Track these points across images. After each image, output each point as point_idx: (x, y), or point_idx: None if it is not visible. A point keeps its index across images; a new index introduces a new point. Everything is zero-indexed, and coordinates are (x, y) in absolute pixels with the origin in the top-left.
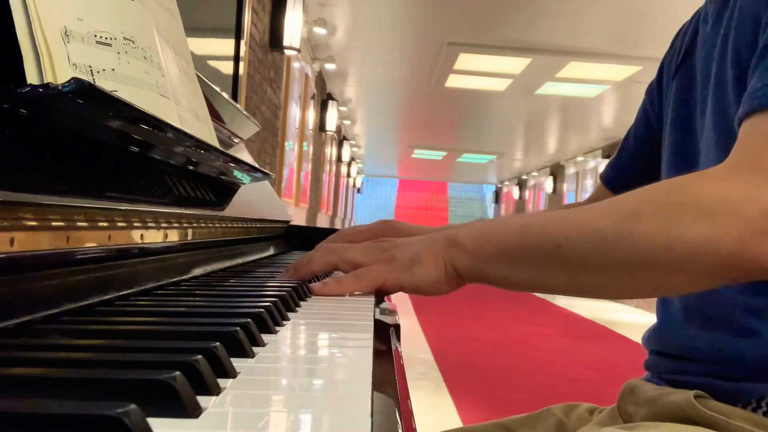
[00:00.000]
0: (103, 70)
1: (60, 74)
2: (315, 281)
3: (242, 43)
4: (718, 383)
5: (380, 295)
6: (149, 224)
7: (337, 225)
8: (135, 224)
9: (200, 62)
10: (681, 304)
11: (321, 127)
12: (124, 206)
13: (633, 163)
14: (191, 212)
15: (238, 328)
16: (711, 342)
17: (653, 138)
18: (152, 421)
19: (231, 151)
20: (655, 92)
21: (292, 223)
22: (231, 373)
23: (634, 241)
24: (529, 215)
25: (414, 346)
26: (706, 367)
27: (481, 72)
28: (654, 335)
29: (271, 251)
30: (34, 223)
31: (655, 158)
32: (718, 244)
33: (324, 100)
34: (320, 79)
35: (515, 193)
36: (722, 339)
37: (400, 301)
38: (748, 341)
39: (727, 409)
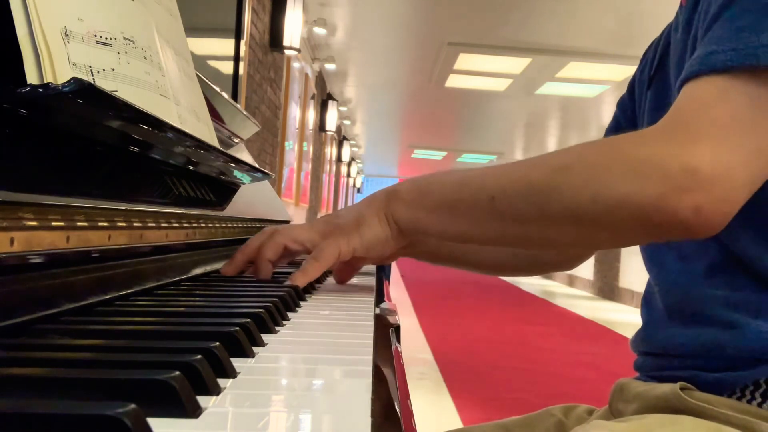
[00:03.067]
0: (103, 70)
1: (60, 74)
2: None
3: (242, 43)
4: (702, 375)
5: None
6: (149, 224)
7: None
8: (135, 224)
9: (200, 62)
10: (663, 304)
11: (321, 127)
12: (124, 206)
13: None
14: (191, 212)
15: (238, 328)
16: (693, 337)
17: None
18: (152, 421)
19: (231, 151)
20: (628, 105)
21: (292, 222)
22: (231, 373)
23: (563, 194)
24: (467, 170)
25: (414, 346)
26: (690, 361)
27: (481, 72)
28: (640, 337)
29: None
30: (34, 223)
31: None
32: (641, 199)
33: (324, 100)
34: (320, 79)
35: None
36: (703, 333)
37: (401, 301)
38: (728, 333)
39: (711, 398)
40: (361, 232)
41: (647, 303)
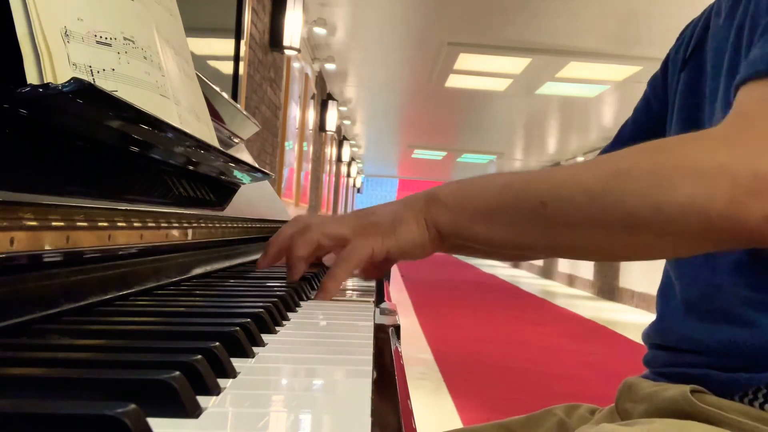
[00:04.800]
0: (103, 70)
1: (60, 74)
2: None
3: (242, 43)
4: (714, 374)
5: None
6: (149, 224)
7: None
8: (135, 224)
9: (200, 62)
10: (681, 298)
11: (321, 127)
12: (124, 206)
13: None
14: (191, 212)
15: (238, 328)
16: (709, 333)
17: (653, 127)
18: (152, 421)
19: (231, 151)
20: (660, 83)
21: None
22: (231, 373)
23: (622, 200)
24: (512, 173)
25: (414, 346)
26: (703, 359)
27: (481, 72)
28: (654, 329)
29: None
30: (34, 223)
31: None
32: (708, 205)
33: (324, 100)
34: (320, 79)
35: None
36: (721, 330)
37: (401, 301)
38: (745, 331)
39: (722, 402)
40: (398, 234)
41: (664, 294)
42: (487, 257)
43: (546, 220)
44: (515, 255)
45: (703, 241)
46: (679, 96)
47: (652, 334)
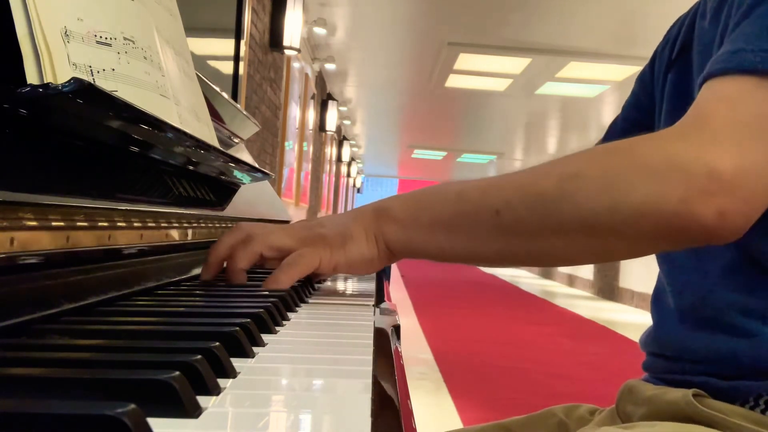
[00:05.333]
0: (103, 70)
1: (60, 74)
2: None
3: (242, 43)
4: (715, 382)
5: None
6: (149, 224)
7: None
8: (135, 224)
9: (200, 62)
10: (675, 305)
11: (321, 127)
12: (124, 206)
13: None
14: (191, 212)
15: (238, 328)
16: (707, 343)
17: (643, 121)
18: (152, 421)
19: (231, 151)
20: (648, 79)
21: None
22: (231, 373)
23: (576, 202)
24: (467, 181)
25: (414, 346)
26: (703, 367)
27: (481, 72)
28: (650, 337)
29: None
30: (34, 223)
31: None
32: (662, 204)
33: (324, 100)
34: (320, 79)
35: None
36: (718, 339)
37: (401, 301)
38: (743, 341)
39: (724, 407)
40: (347, 249)
41: (657, 301)
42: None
43: (500, 228)
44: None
45: (659, 240)
46: (667, 98)
47: (649, 342)
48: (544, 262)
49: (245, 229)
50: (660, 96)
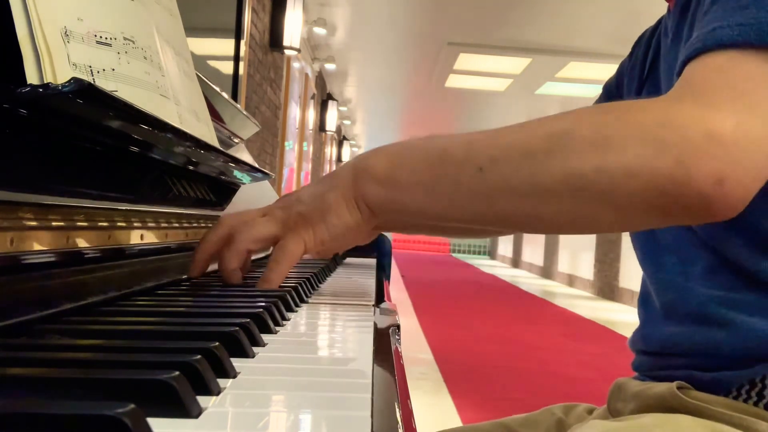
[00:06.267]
0: (103, 70)
1: (60, 74)
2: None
3: (242, 43)
4: (698, 374)
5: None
6: (149, 224)
7: None
8: (135, 224)
9: (200, 62)
10: (660, 303)
11: (321, 127)
12: (124, 206)
13: None
14: (191, 212)
15: (238, 328)
16: (689, 336)
17: None
18: (152, 421)
19: (231, 151)
20: (615, 93)
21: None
22: (231, 373)
23: (563, 160)
24: (453, 136)
25: (414, 346)
26: (686, 361)
27: (481, 72)
28: (637, 336)
29: (271, 251)
30: (34, 223)
31: None
32: (654, 165)
33: (324, 100)
34: (320, 79)
35: None
36: (699, 332)
37: (401, 301)
38: (723, 332)
39: (708, 397)
40: (327, 222)
41: (644, 302)
42: (430, 233)
43: (483, 186)
44: (457, 230)
45: (649, 210)
46: None
47: (636, 340)
48: (527, 227)
49: (226, 225)
50: None
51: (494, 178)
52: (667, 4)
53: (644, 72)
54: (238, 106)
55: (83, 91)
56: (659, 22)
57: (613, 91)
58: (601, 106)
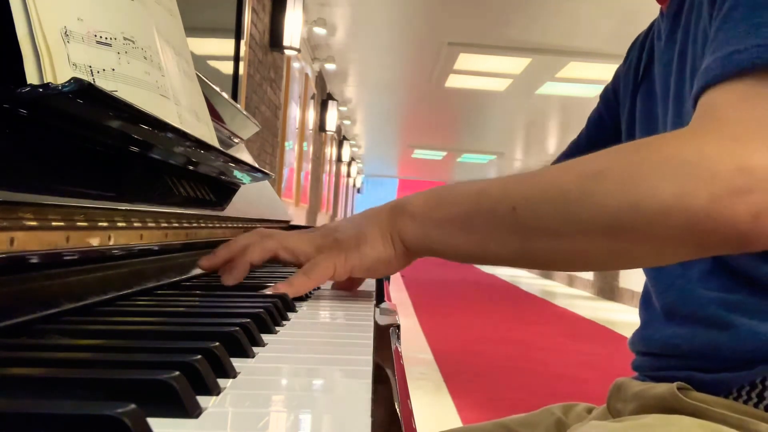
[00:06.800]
0: (103, 70)
1: (60, 74)
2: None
3: (242, 43)
4: (699, 376)
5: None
6: (149, 224)
7: None
8: (135, 224)
9: (200, 62)
10: (661, 304)
11: (321, 127)
12: (124, 206)
13: None
14: (191, 212)
15: (238, 328)
16: (690, 337)
17: (606, 140)
18: (152, 421)
19: (231, 151)
20: (612, 99)
21: (292, 222)
22: (231, 373)
23: (598, 201)
24: (492, 179)
25: (414, 346)
26: (686, 362)
27: (481, 72)
28: (637, 337)
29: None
30: (34, 223)
31: None
32: (689, 202)
33: (324, 100)
34: (320, 79)
35: None
36: (699, 334)
37: (401, 301)
38: (724, 334)
39: (708, 398)
40: (362, 252)
41: (645, 303)
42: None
43: (517, 225)
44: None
45: (686, 245)
46: (639, 122)
47: (636, 341)
48: (563, 265)
49: (267, 233)
50: (629, 118)
51: (527, 217)
52: (659, 6)
53: (638, 76)
54: (238, 106)
55: (83, 91)
56: (652, 25)
57: (610, 98)
58: (630, 145)
